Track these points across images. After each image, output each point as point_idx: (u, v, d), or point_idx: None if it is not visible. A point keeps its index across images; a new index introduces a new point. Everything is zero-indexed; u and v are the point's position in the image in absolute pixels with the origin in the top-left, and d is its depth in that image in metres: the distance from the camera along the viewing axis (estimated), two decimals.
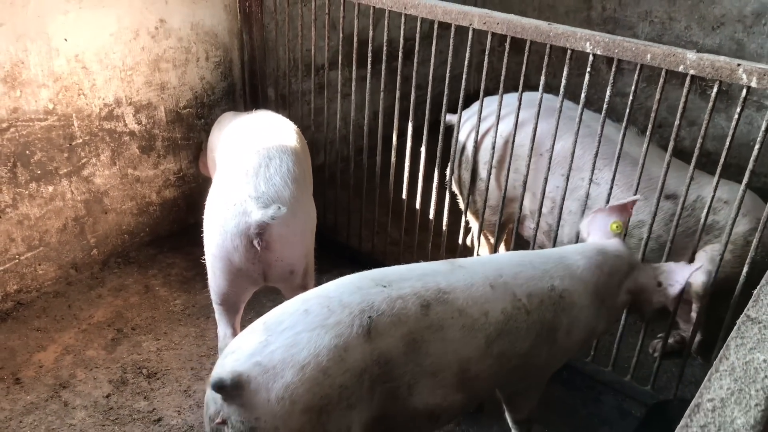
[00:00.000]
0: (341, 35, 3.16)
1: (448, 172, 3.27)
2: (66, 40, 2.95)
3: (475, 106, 3.00)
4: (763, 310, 0.93)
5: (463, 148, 3.16)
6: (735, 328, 0.93)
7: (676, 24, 4.81)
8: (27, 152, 2.98)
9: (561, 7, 5.27)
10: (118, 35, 3.13)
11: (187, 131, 3.62)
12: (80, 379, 2.81)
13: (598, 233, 2.34)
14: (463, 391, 1.94)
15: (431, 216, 3.30)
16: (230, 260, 2.35)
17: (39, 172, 3.05)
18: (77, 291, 3.31)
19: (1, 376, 2.79)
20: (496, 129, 2.87)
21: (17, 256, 3.12)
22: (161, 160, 3.57)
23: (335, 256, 3.73)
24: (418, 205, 3.30)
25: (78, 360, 2.90)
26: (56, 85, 2.98)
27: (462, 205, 3.28)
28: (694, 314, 3.08)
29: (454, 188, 3.33)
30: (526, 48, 2.63)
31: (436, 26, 2.87)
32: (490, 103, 2.94)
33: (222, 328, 2.56)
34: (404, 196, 3.35)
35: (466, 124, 3.13)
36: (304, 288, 2.56)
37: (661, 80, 2.37)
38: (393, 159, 3.28)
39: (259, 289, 2.59)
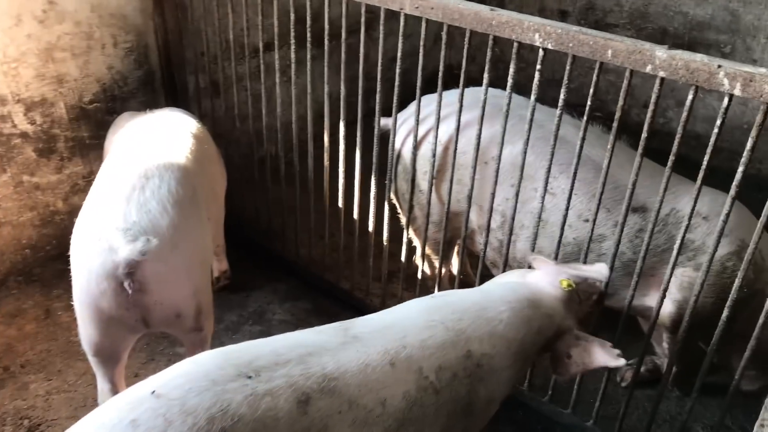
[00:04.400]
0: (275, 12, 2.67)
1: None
2: None
3: (412, 107, 2.54)
4: None
5: (399, 155, 2.71)
6: None
7: None
8: None
9: None
10: None
11: (96, 129, 3.15)
12: None
13: (545, 274, 1.94)
14: None
15: (371, 225, 2.87)
16: (98, 307, 1.94)
17: None
18: None
19: None
20: (436, 134, 2.42)
21: None
22: (66, 164, 3.12)
23: (270, 268, 3.31)
24: (356, 209, 2.86)
25: None
26: None
27: (403, 220, 2.84)
28: (665, 344, 2.68)
29: (393, 199, 2.88)
30: (466, 39, 2.17)
31: (363, 10, 2.40)
32: (432, 102, 2.47)
33: (99, 383, 2.15)
34: (340, 203, 2.91)
35: (402, 127, 2.66)
36: (199, 332, 2.15)
37: (626, 82, 1.90)
38: (326, 161, 2.83)
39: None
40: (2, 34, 2.70)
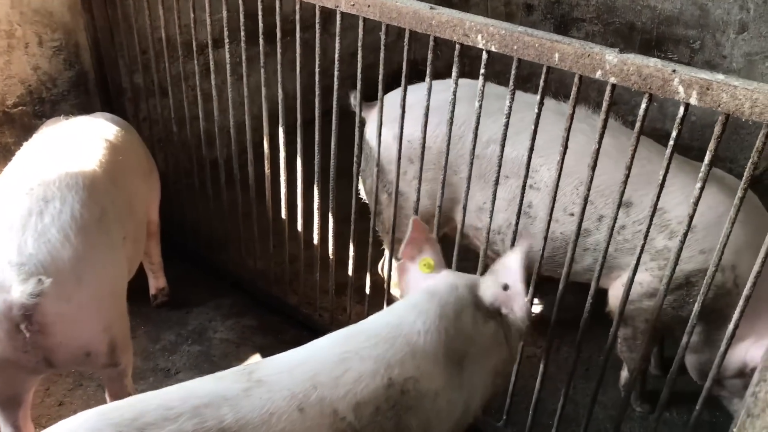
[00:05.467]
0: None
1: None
2: None
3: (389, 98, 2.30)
4: None
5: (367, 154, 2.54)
6: None
7: None
8: None
9: None
10: None
11: (23, 134, 2.89)
12: None
13: (415, 285, 1.78)
14: None
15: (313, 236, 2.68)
16: None
17: None
18: None
19: None
20: (400, 135, 2.22)
21: None
22: None
23: (214, 282, 3.11)
24: (300, 218, 2.68)
25: None
26: None
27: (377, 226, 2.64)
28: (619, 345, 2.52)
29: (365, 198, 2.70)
30: (405, 39, 1.98)
31: (298, 7, 2.20)
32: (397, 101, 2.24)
33: (2, 427, 1.95)
34: (283, 213, 2.72)
35: (374, 125, 2.43)
36: (114, 366, 1.95)
37: (575, 88, 1.74)
38: (267, 168, 2.64)
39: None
40: None
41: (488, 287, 1.68)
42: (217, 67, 2.66)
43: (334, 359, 1.47)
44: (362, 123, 2.41)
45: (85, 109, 3.03)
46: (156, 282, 2.88)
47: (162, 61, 2.87)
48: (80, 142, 2.14)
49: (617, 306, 2.35)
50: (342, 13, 2.09)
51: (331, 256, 2.64)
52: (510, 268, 1.65)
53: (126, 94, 3.10)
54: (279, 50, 2.33)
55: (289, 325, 2.89)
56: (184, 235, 3.19)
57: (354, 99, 2.36)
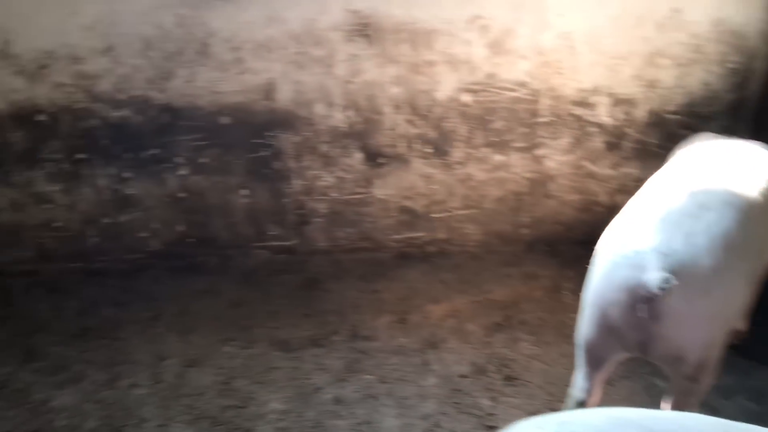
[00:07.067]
0: None
1: None
2: (560, 15, 2.82)
3: None
4: None
5: None
6: None
7: None
8: (489, 118, 3.03)
9: None
10: (617, 19, 2.85)
11: (665, 139, 3.15)
12: (450, 346, 2.83)
13: None
14: None
15: None
16: (604, 312, 1.94)
17: (494, 139, 3.09)
18: (490, 262, 3.32)
19: (395, 310, 3.03)
20: None
21: (452, 210, 3.28)
22: (623, 162, 3.22)
23: None
24: None
25: (458, 328, 2.93)
26: (537, 59, 2.91)
27: None
28: None
29: None
30: None
31: None
32: None
33: (576, 376, 2.19)
34: None
35: None
36: (693, 381, 1.98)
37: None
38: None
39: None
40: (620, 31, 2.89)
41: None
42: None
43: None
44: None
45: (729, 134, 3.06)
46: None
47: None
48: (747, 166, 2.17)
49: None
50: None
51: None
52: None
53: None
54: None
55: None
56: None
57: None
